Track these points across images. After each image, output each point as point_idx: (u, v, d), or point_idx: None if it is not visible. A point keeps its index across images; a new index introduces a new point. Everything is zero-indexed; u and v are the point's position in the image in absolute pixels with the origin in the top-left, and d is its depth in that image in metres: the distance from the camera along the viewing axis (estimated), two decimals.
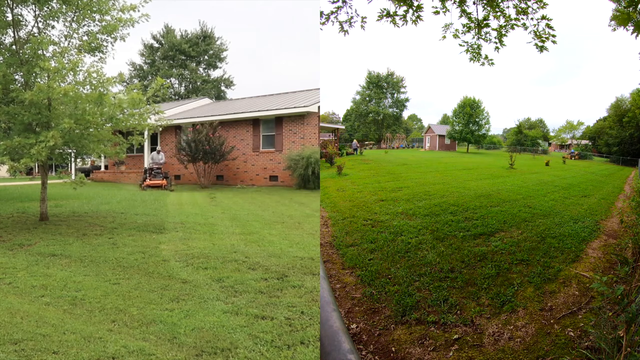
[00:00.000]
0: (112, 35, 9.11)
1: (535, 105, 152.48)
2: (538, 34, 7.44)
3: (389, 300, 4.75)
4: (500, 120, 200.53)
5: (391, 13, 7.32)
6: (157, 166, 18.94)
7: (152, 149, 25.60)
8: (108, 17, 8.95)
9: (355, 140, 45.91)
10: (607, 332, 3.32)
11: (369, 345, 3.85)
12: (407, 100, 64.23)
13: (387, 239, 7.15)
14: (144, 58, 47.35)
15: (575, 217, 9.46)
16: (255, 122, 19.93)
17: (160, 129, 14.24)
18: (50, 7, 8.61)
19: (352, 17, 7.52)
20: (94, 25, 8.97)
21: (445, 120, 67.60)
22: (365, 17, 7.53)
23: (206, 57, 47.64)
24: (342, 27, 7.63)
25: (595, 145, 54.38)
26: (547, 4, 7.07)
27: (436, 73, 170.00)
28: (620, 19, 5.56)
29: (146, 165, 20.77)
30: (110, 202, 12.99)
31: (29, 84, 8.53)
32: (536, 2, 7.17)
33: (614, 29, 6.19)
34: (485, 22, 7.91)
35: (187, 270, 5.59)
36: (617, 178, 23.73)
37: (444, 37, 8.09)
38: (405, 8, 7.26)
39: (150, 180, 18.37)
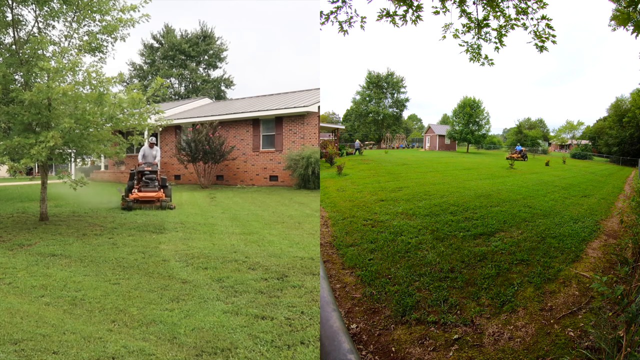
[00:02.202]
0: (113, 36, 9.11)
1: (535, 105, 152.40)
2: (538, 34, 7.44)
3: (389, 300, 4.75)
4: (500, 120, 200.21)
5: (391, 13, 7.32)
6: (150, 168, 12.22)
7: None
8: (108, 17, 8.95)
9: (357, 141, 45.96)
10: (607, 332, 3.31)
11: (369, 345, 3.85)
12: (407, 100, 64.20)
13: (387, 239, 7.15)
14: (144, 58, 47.34)
15: (575, 217, 9.46)
16: (255, 122, 19.93)
17: (160, 129, 14.22)
18: (50, 7, 8.61)
19: (351, 17, 7.53)
20: (94, 26, 8.98)
21: (445, 120, 67.59)
22: (365, 17, 7.53)
23: (206, 57, 47.62)
24: (341, 27, 7.62)
25: (595, 145, 54.33)
26: (547, 4, 7.08)
27: (436, 73, 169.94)
28: (620, 19, 5.56)
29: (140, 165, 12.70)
30: (111, 202, 12.98)
31: (28, 84, 8.53)
32: (536, 2, 7.17)
33: (614, 29, 6.20)
34: (485, 22, 7.91)
35: (187, 270, 5.59)
36: (617, 178, 23.72)
37: (444, 37, 8.09)
38: (405, 8, 7.26)
39: (139, 191, 11.86)
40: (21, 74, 8.55)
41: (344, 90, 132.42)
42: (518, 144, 49.76)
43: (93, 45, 8.95)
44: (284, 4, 79.34)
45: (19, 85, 8.79)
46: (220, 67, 49.63)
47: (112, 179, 24.14)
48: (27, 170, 9.07)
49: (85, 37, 8.98)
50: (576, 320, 4.25)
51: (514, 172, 22.15)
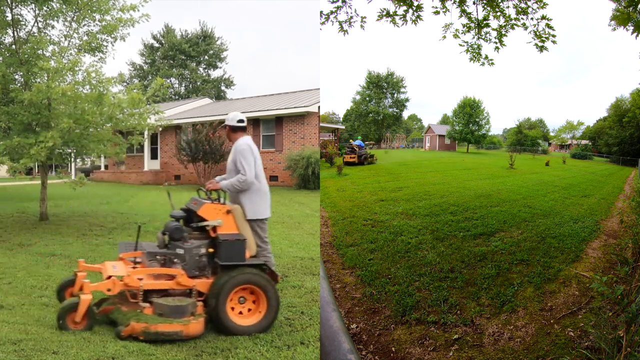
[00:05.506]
0: (112, 35, 9.11)
1: (535, 105, 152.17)
2: (538, 33, 7.44)
3: (389, 300, 4.74)
4: (500, 120, 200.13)
5: (391, 13, 7.32)
6: None
7: (153, 150, 25.32)
8: (108, 17, 8.95)
9: (351, 141, 45.41)
10: (607, 332, 3.31)
11: (369, 345, 3.85)
12: (407, 100, 64.01)
13: (387, 239, 7.14)
14: (144, 58, 47.33)
15: (575, 217, 9.45)
16: (255, 122, 19.92)
17: (160, 129, 14.20)
18: (50, 7, 8.61)
19: (351, 17, 7.52)
20: (94, 25, 8.99)
21: (445, 120, 67.49)
22: (365, 17, 7.52)
23: (206, 57, 47.60)
24: (341, 27, 7.62)
25: (595, 145, 54.29)
26: (547, 4, 7.07)
27: (436, 73, 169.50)
28: (620, 19, 5.57)
29: None
30: (110, 202, 12.98)
31: (28, 84, 8.53)
32: (536, 2, 7.17)
33: (614, 29, 6.21)
34: (485, 22, 7.90)
35: None
36: (617, 178, 23.72)
37: (444, 37, 8.08)
38: (405, 8, 7.26)
39: None
40: (21, 73, 8.55)
41: (344, 90, 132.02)
42: (358, 137, 27.65)
43: (93, 45, 8.95)
44: (284, 4, 79.48)
45: (18, 85, 8.79)
46: (220, 67, 49.59)
47: (112, 179, 24.16)
48: (27, 170, 9.07)
49: (85, 37, 8.99)
50: (576, 320, 4.25)
51: (514, 172, 22.16)
